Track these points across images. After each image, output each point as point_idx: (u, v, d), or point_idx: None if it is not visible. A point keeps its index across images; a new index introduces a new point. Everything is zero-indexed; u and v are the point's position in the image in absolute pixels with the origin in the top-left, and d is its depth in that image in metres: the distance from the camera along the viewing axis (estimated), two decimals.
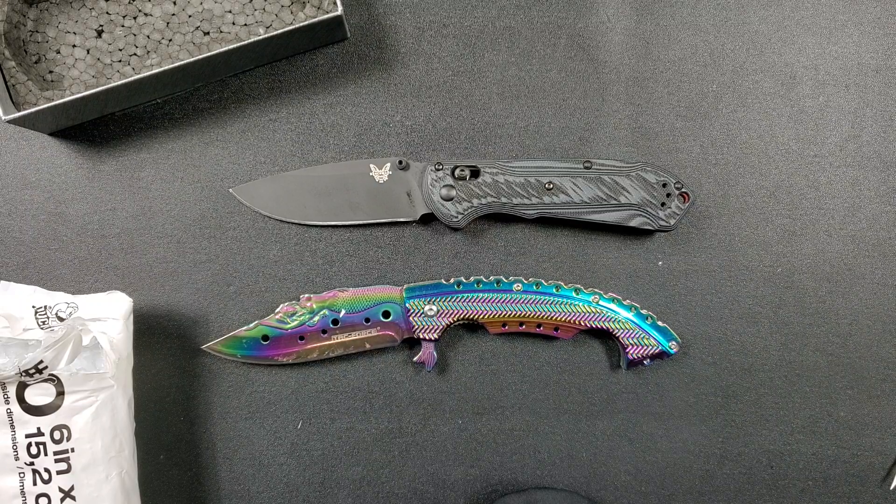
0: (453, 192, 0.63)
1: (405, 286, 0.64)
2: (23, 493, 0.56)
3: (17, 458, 0.56)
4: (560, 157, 0.66)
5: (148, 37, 0.64)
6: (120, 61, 0.64)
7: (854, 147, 0.67)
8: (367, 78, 0.67)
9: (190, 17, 0.64)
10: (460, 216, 0.63)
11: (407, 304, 0.63)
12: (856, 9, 0.68)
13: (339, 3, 0.60)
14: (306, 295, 0.64)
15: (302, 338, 0.63)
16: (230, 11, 0.64)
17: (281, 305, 0.64)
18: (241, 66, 0.65)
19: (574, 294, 0.63)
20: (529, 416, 0.66)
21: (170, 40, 0.64)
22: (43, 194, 0.66)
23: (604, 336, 0.66)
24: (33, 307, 0.58)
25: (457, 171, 0.63)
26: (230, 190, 0.66)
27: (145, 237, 0.66)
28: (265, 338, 0.63)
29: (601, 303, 0.63)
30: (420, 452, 0.66)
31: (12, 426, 0.56)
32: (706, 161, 0.67)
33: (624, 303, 0.63)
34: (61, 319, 0.58)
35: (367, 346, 0.64)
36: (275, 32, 0.60)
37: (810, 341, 0.66)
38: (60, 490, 0.57)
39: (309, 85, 0.67)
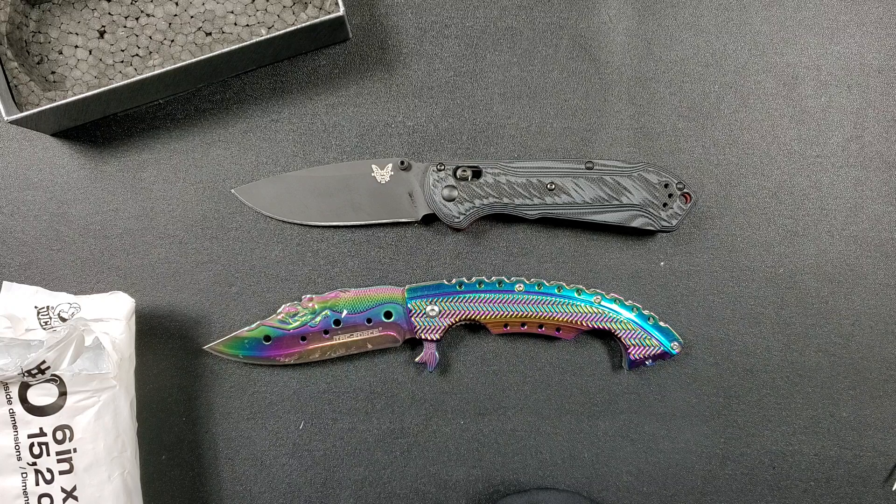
0: (455, 193, 0.63)
1: (407, 287, 0.64)
2: (25, 493, 0.56)
3: (19, 459, 0.56)
4: (562, 158, 0.66)
5: (150, 37, 0.64)
6: (122, 62, 0.64)
7: (856, 147, 0.67)
8: (368, 78, 0.67)
9: (192, 17, 0.64)
10: (462, 216, 0.63)
11: (409, 305, 0.63)
12: (858, 9, 0.67)
13: (340, 3, 0.60)
14: (308, 295, 0.64)
15: (304, 338, 0.64)
16: (232, 12, 0.64)
17: (283, 306, 0.64)
18: (243, 67, 0.65)
19: (576, 294, 0.63)
20: (531, 416, 0.66)
21: (172, 41, 0.64)
22: (45, 195, 0.66)
23: (606, 336, 0.66)
24: (36, 307, 0.58)
25: (458, 172, 0.63)
26: (232, 190, 0.66)
27: (147, 237, 0.66)
28: (267, 338, 0.63)
29: (603, 303, 0.63)
30: (422, 453, 0.66)
31: (15, 426, 0.56)
32: (708, 161, 0.67)
33: (626, 303, 0.63)
34: (64, 320, 0.58)
35: (369, 346, 0.64)
36: (277, 33, 0.60)
37: (812, 342, 0.66)
38: (63, 490, 0.57)
39: (311, 85, 0.67)
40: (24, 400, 0.56)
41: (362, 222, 0.65)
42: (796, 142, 0.67)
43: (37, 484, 0.56)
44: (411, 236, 0.66)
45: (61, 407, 0.56)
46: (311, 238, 0.66)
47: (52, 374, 0.55)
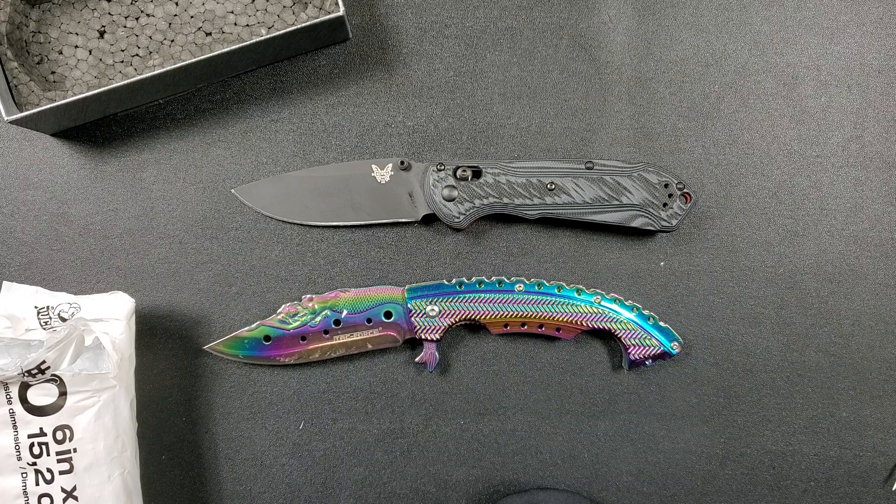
0: (455, 193, 0.63)
1: (407, 287, 0.64)
2: (25, 493, 0.56)
3: (19, 459, 0.56)
4: (562, 158, 0.66)
5: (150, 37, 0.64)
6: (122, 62, 0.64)
7: (856, 147, 0.67)
8: (368, 78, 0.67)
9: (192, 17, 0.64)
10: (462, 216, 0.63)
11: (409, 305, 0.63)
12: (858, 9, 0.67)
13: (340, 3, 0.60)
14: (308, 295, 0.64)
15: (304, 338, 0.64)
16: (232, 12, 0.64)
17: (283, 306, 0.64)
18: (243, 67, 0.66)
19: (576, 294, 0.63)
20: (531, 416, 0.66)
21: (172, 41, 0.64)
22: (45, 195, 0.66)
23: (606, 336, 0.66)
24: (36, 307, 0.58)
25: (458, 172, 0.63)
26: (232, 190, 0.66)
27: (147, 237, 0.66)
28: (267, 338, 0.63)
29: (603, 303, 0.63)
30: (422, 453, 0.66)
31: (15, 426, 0.56)
32: (708, 161, 0.67)
33: (626, 303, 0.63)
34: (64, 320, 0.58)
35: (369, 346, 0.64)
36: (277, 33, 0.60)
37: (812, 342, 0.66)
38: (63, 490, 0.57)
39: (311, 85, 0.67)
40: (24, 400, 0.56)
41: (362, 222, 0.65)
42: (796, 142, 0.67)
43: (37, 484, 0.56)
44: (411, 236, 0.66)
45: (61, 407, 0.56)
46: (311, 238, 0.66)
47: (52, 374, 0.55)
